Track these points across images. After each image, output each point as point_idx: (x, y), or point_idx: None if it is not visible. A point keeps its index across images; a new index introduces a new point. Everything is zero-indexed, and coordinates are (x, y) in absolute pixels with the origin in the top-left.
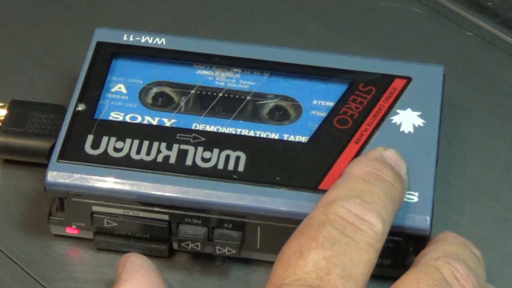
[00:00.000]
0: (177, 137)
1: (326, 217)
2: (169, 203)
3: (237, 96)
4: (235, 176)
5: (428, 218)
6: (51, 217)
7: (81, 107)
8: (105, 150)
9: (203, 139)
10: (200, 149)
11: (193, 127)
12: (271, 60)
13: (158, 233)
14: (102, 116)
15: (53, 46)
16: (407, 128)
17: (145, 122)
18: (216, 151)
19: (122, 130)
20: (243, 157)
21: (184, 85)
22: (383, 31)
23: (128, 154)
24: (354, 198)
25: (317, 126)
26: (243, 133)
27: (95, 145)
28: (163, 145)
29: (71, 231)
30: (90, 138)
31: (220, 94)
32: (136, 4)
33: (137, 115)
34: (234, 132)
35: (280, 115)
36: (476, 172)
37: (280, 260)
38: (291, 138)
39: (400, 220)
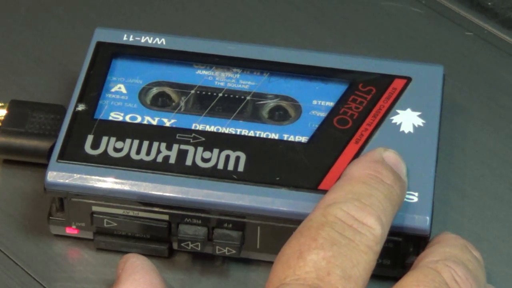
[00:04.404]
0: (177, 137)
1: (325, 219)
2: (169, 203)
3: (237, 96)
4: (235, 176)
5: (428, 218)
6: (51, 217)
7: (81, 107)
8: (105, 150)
9: (203, 139)
10: (200, 149)
11: (193, 127)
12: (271, 60)
13: (158, 233)
14: (102, 116)
15: (53, 46)
16: (407, 128)
17: (145, 122)
18: (216, 151)
19: (122, 130)
20: (243, 157)
21: (184, 85)
22: (383, 31)
23: (128, 154)
24: (353, 201)
25: (317, 126)
26: (243, 133)
27: (95, 145)
28: (163, 145)
29: (71, 231)
30: (90, 138)
31: (220, 94)
32: (136, 4)
33: (137, 115)
34: (234, 132)
35: (280, 115)
36: (476, 172)
37: (280, 260)
38: (291, 138)
39: (400, 220)
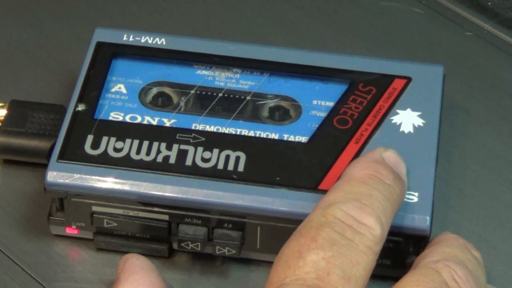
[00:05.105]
0: (177, 137)
1: (325, 219)
2: (169, 203)
3: (237, 96)
4: (235, 176)
5: (428, 218)
6: (51, 217)
7: (81, 107)
8: (105, 150)
9: (203, 139)
10: (200, 149)
11: (193, 127)
12: (271, 60)
13: (158, 233)
14: (102, 116)
15: (53, 46)
16: (407, 128)
17: (145, 122)
18: (216, 151)
19: (122, 130)
20: (243, 157)
21: (184, 85)
22: (383, 31)
23: (128, 154)
24: (353, 201)
25: (317, 126)
26: (243, 133)
27: (95, 145)
28: (163, 145)
29: (71, 231)
30: (90, 138)
31: (220, 94)
32: (136, 4)
33: (137, 115)
34: (234, 132)
35: (280, 115)
36: (476, 172)
37: (280, 260)
38: (291, 138)
39: (400, 220)
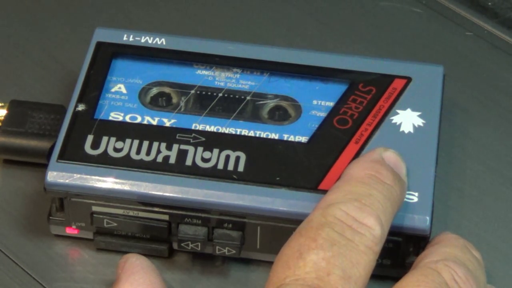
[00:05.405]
0: (177, 137)
1: (325, 219)
2: (169, 203)
3: (237, 96)
4: (235, 176)
5: (428, 218)
6: (51, 217)
7: (81, 107)
8: (105, 150)
9: (203, 139)
10: (200, 149)
11: (193, 127)
12: (271, 60)
13: (158, 233)
14: (102, 116)
15: (53, 46)
16: (407, 128)
17: (145, 122)
18: (216, 151)
19: (122, 130)
20: (243, 157)
21: (184, 85)
22: (383, 31)
23: (128, 154)
24: (353, 201)
25: (317, 126)
26: (243, 133)
27: (95, 145)
28: (163, 145)
29: (71, 231)
30: (90, 138)
31: (220, 94)
32: (136, 4)
33: (137, 115)
34: (234, 132)
35: (280, 115)
36: (476, 172)
37: (280, 260)
38: (291, 138)
39: (400, 220)
